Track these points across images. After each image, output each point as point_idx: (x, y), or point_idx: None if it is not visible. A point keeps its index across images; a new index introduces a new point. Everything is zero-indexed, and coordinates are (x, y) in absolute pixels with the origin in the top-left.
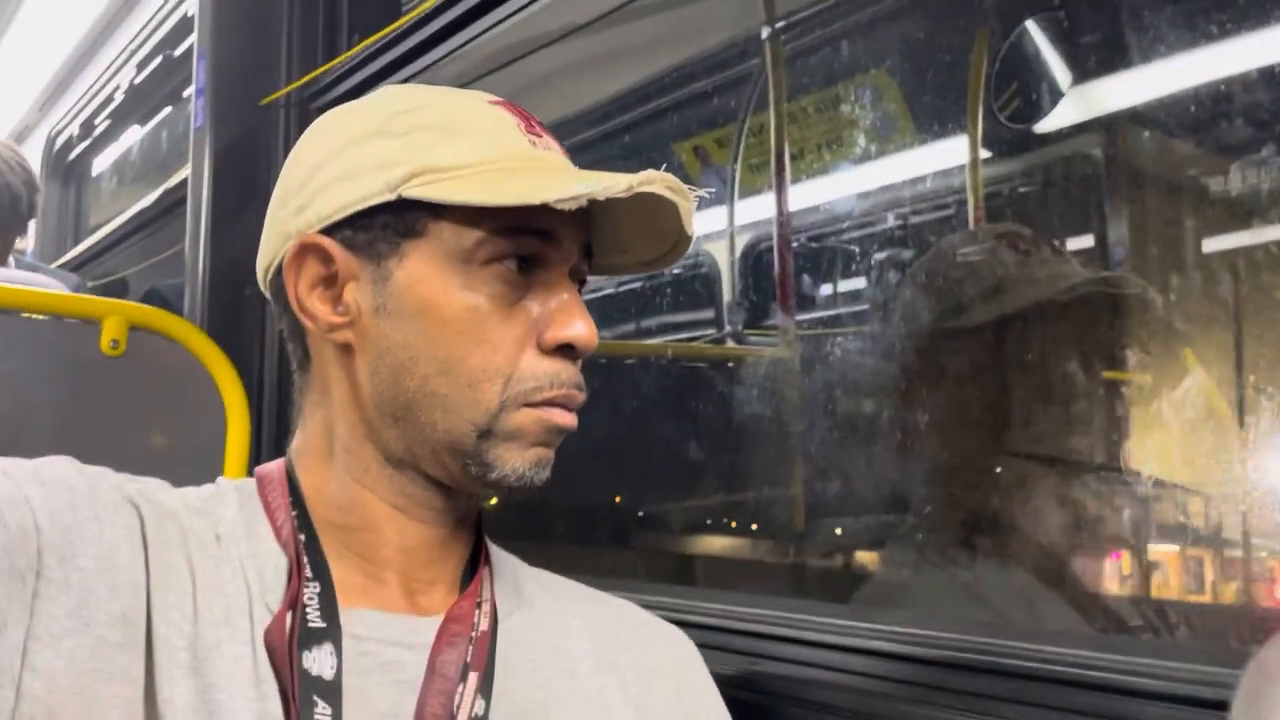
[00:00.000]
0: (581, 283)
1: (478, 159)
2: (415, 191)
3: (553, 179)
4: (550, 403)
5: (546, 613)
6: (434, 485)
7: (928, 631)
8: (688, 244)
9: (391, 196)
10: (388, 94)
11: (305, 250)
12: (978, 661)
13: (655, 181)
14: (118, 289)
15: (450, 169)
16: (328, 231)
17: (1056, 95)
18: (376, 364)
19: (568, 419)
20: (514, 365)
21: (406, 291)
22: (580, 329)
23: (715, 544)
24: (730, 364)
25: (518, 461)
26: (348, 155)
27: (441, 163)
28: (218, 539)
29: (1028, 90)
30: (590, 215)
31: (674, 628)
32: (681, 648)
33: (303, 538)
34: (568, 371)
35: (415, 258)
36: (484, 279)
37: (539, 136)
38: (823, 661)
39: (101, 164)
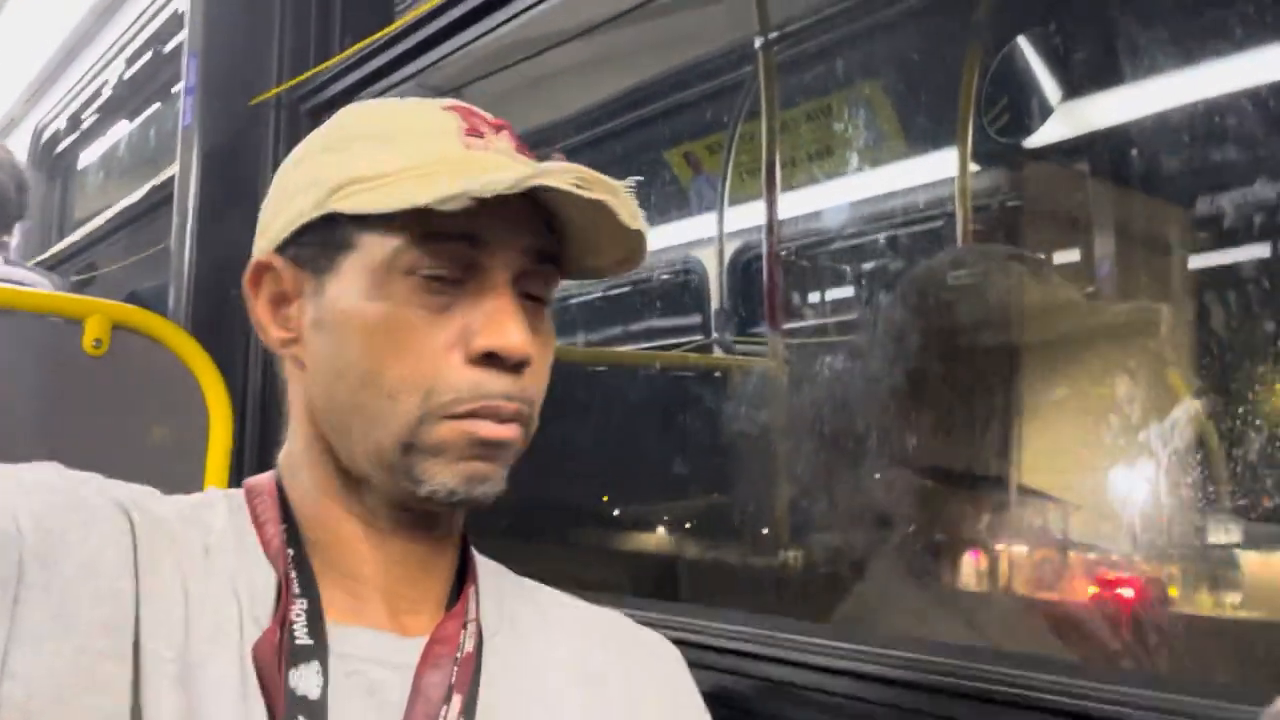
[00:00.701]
0: (535, 295)
1: (402, 166)
2: (336, 204)
3: (447, 180)
4: (473, 414)
5: (532, 628)
6: (394, 501)
7: (910, 655)
8: (643, 240)
9: (320, 212)
10: (345, 110)
11: (260, 270)
12: (961, 686)
13: (554, 174)
14: (103, 285)
15: (373, 178)
16: (282, 249)
17: (1046, 110)
18: (317, 378)
19: (495, 431)
20: (434, 376)
21: (334, 304)
22: (503, 338)
23: (699, 558)
24: (717, 374)
25: (445, 476)
26: (295, 174)
27: (366, 172)
28: (206, 551)
29: (1017, 105)
30: (546, 217)
31: (661, 639)
32: (668, 661)
33: (291, 552)
34: (495, 382)
35: (346, 271)
36: (405, 288)
37: (479, 137)
38: (803, 682)
39: (88, 158)
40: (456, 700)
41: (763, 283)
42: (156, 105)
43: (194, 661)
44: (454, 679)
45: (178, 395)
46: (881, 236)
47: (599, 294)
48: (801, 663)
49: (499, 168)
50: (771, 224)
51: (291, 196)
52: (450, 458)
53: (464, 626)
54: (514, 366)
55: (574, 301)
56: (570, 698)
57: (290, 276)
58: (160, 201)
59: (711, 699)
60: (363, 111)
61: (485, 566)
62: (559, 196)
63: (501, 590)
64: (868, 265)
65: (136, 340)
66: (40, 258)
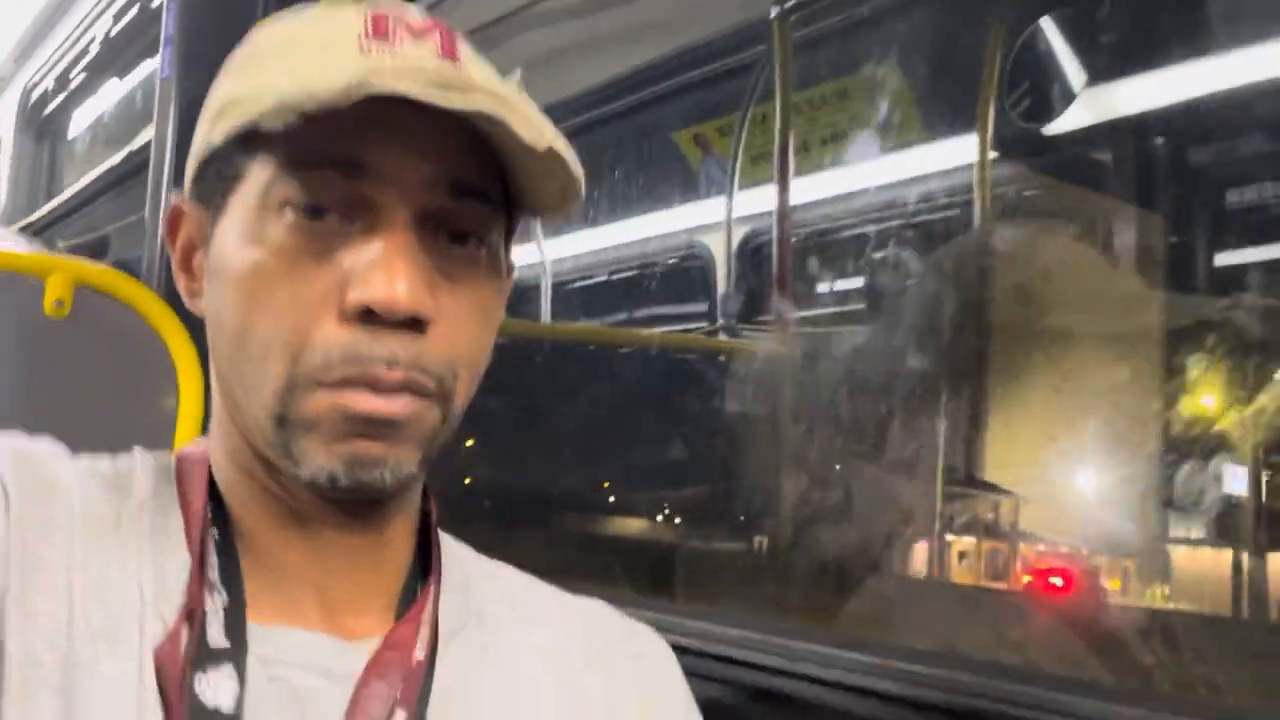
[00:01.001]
0: (465, 235)
1: (285, 78)
2: (214, 132)
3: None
4: (346, 382)
5: (499, 625)
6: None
7: (938, 672)
8: (562, 161)
9: (206, 144)
10: (260, 24)
11: (176, 216)
12: (969, 705)
13: (400, 75)
14: (95, 248)
15: (252, 96)
16: (191, 190)
17: (1070, 94)
18: (210, 335)
19: (374, 405)
20: (304, 335)
21: (219, 249)
22: (384, 288)
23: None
24: (722, 358)
25: (322, 458)
26: (206, 107)
27: (248, 91)
28: (118, 525)
29: (1041, 88)
30: (483, 142)
31: (648, 632)
32: (654, 657)
33: (216, 536)
34: (374, 344)
35: (232, 208)
36: (281, 228)
37: (383, 39)
38: (817, 699)
39: (80, 118)
40: (400, 715)
41: (771, 269)
42: (147, 63)
43: (79, 664)
44: (400, 692)
45: (146, 360)
46: (894, 224)
47: (602, 279)
48: (801, 674)
49: (362, 70)
50: (783, 209)
51: (198, 128)
52: (325, 435)
53: (418, 630)
54: (405, 324)
55: (575, 285)
56: (539, 705)
57: (196, 219)
58: (142, 165)
59: (710, 711)
60: (273, 23)
61: (451, 553)
62: (488, 120)
63: (469, 580)
64: (878, 255)
65: (102, 301)
66: (25, 221)
